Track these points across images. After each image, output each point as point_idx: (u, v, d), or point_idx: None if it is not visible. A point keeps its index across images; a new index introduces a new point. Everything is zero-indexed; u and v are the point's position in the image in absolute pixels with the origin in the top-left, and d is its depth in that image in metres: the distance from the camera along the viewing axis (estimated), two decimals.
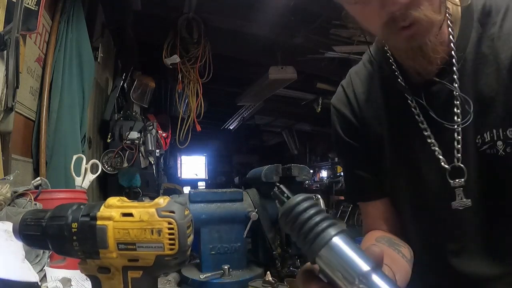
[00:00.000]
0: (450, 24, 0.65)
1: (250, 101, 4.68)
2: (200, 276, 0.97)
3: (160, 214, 0.43)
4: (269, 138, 8.95)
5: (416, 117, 0.67)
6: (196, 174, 9.11)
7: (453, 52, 0.64)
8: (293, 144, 7.90)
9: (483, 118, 0.62)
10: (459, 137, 0.63)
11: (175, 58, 2.84)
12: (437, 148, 0.65)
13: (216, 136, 7.61)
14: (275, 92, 4.12)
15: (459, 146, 0.63)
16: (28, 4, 1.26)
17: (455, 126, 0.63)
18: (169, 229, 0.42)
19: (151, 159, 2.64)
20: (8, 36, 1.10)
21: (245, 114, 5.62)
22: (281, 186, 0.43)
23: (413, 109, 0.67)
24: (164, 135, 3.11)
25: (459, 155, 0.63)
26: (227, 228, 1.05)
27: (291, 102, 5.18)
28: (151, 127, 2.65)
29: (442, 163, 0.64)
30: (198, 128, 3.15)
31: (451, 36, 0.65)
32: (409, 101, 0.68)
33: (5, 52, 1.12)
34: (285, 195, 0.42)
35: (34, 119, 1.58)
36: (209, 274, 0.98)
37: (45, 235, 0.44)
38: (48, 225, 0.44)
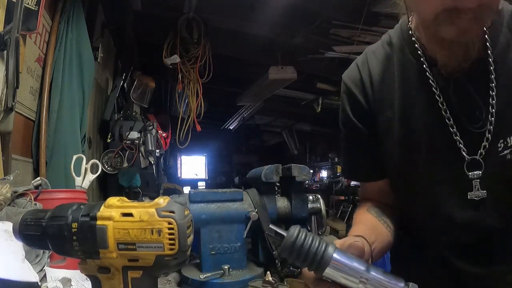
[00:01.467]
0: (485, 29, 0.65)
1: (250, 101, 4.68)
2: (200, 276, 0.97)
3: (160, 214, 0.43)
4: (269, 138, 8.95)
5: (442, 109, 0.66)
6: (196, 174, 9.11)
7: (489, 52, 0.63)
8: (293, 144, 7.90)
9: (507, 122, 0.62)
10: (489, 134, 0.62)
11: (175, 58, 2.84)
12: (459, 138, 0.64)
13: (216, 136, 7.61)
14: (275, 92, 4.12)
15: (486, 143, 0.62)
16: (28, 4, 1.26)
17: (477, 129, 0.63)
18: (169, 229, 0.42)
19: (151, 159, 2.64)
20: (8, 36, 1.10)
21: (245, 114, 5.62)
22: (272, 226, 0.52)
23: (440, 104, 0.66)
24: (164, 135, 3.11)
25: (483, 150, 0.63)
26: (227, 228, 1.05)
27: (291, 102, 5.18)
28: (151, 127, 2.65)
29: (463, 152, 0.64)
30: (198, 128, 3.15)
31: (486, 36, 0.64)
32: (434, 92, 0.66)
33: (5, 52, 1.12)
34: (279, 233, 0.50)
35: (34, 119, 1.58)
36: (209, 274, 0.98)
37: (45, 235, 0.44)
38: (48, 225, 0.44)
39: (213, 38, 3.00)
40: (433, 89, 0.66)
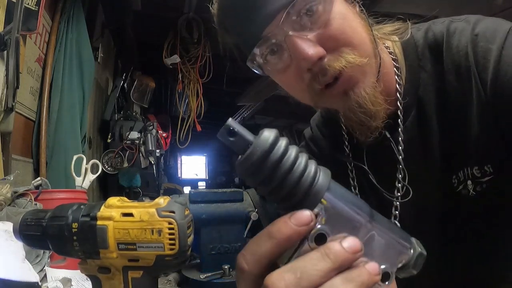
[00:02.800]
0: (396, 70, 0.59)
1: (250, 101, 4.68)
2: (200, 276, 0.97)
3: (160, 214, 0.43)
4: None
5: (351, 180, 0.64)
6: (196, 174, 9.11)
7: (398, 103, 0.57)
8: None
9: (454, 159, 0.56)
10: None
11: (175, 58, 2.83)
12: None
13: (216, 136, 7.60)
14: (275, 92, 4.12)
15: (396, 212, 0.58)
16: (28, 4, 1.26)
17: (394, 200, 0.58)
18: (169, 229, 0.42)
19: (151, 159, 2.64)
20: (8, 36, 1.10)
21: (245, 114, 5.62)
22: (231, 121, 0.30)
23: (349, 173, 0.64)
24: (164, 135, 3.11)
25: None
26: (227, 228, 1.05)
27: (291, 102, 5.17)
28: (151, 127, 2.65)
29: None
30: (198, 128, 3.15)
31: (397, 85, 0.58)
32: (348, 167, 0.64)
33: (5, 52, 1.12)
34: (240, 134, 0.30)
35: (34, 119, 1.58)
36: (209, 274, 0.98)
37: (45, 235, 0.44)
38: (48, 225, 0.44)
39: (213, 38, 2.98)
40: (348, 168, 0.65)
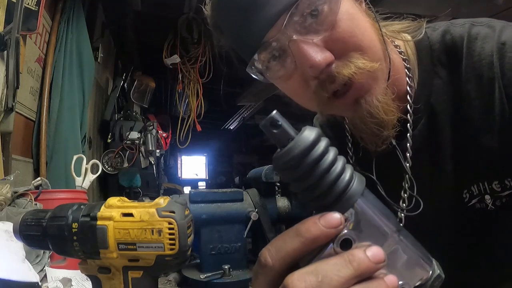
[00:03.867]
0: (407, 72, 0.55)
1: (250, 101, 4.68)
2: (201, 276, 0.97)
3: (161, 214, 0.43)
4: (269, 138, 8.94)
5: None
6: (196, 174, 9.10)
7: (408, 106, 0.53)
8: None
9: (468, 173, 0.53)
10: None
11: (175, 58, 2.83)
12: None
13: (216, 136, 7.61)
14: (275, 92, 4.12)
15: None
16: (28, 4, 1.26)
17: (399, 211, 0.54)
18: (170, 229, 0.42)
19: (151, 159, 2.64)
20: (8, 36, 1.10)
21: (245, 114, 5.62)
22: (276, 114, 0.30)
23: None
24: (164, 135, 3.11)
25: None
26: (227, 228, 1.05)
27: (291, 102, 5.17)
28: (151, 127, 2.65)
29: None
30: (198, 128, 3.15)
31: (408, 87, 0.54)
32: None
33: (5, 52, 1.12)
34: (283, 127, 0.30)
35: (34, 119, 1.58)
36: (210, 274, 0.98)
37: (45, 235, 0.44)
38: (48, 225, 0.44)
39: (213, 38, 3.00)
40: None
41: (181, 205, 0.44)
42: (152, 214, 0.43)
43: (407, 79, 0.55)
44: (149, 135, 2.59)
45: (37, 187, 1.04)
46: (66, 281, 0.77)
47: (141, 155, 2.56)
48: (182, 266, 1.01)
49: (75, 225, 0.43)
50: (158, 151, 2.87)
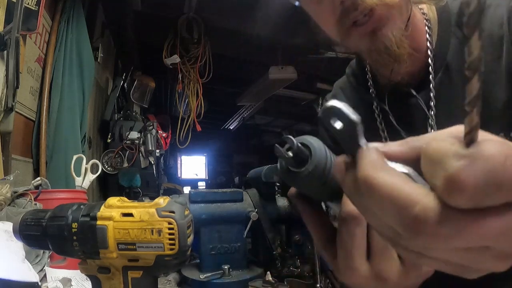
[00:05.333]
0: (428, 30, 0.60)
1: (250, 101, 4.68)
2: (200, 276, 0.97)
3: (160, 214, 0.43)
4: (269, 138, 8.95)
5: (378, 124, 0.64)
6: (196, 174, 9.10)
7: (429, 60, 0.59)
8: None
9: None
10: None
11: (175, 58, 2.83)
12: None
13: (216, 136, 7.61)
14: (275, 92, 4.12)
15: None
16: (28, 4, 1.26)
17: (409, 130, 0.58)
18: (169, 229, 0.42)
19: (151, 159, 2.64)
20: (8, 36, 1.10)
21: (245, 114, 5.62)
22: (291, 138, 0.30)
23: (376, 116, 0.64)
24: (164, 135, 3.11)
25: None
26: (227, 228, 1.05)
27: (291, 102, 5.17)
28: (151, 127, 2.65)
29: None
30: (198, 128, 3.15)
31: (428, 43, 0.59)
32: (375, 113, 0.64)
33: (5, 52, 1.12)
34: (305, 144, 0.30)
35: (34, 119, 1.58)
36: (209, 274, 0.98)
37: (45, 235, 0.45)
38: (48, 225, 0.44)
39: (213, 38, 3.00)
40: (374, 108, 0.65)
41: (181, 205, 0.44)
42: (152, 214, 0.43)
43: (427, 36, 0.60)
44: (149, 135, 2.59)
45: (37, 187, 1.04)
46: (66, 281, 0.77)
47: (141, 155, 2.56)
48: (182, 266, 1.01)
49: (75, 225, 0.43)
50: (158, 151, 2.86)
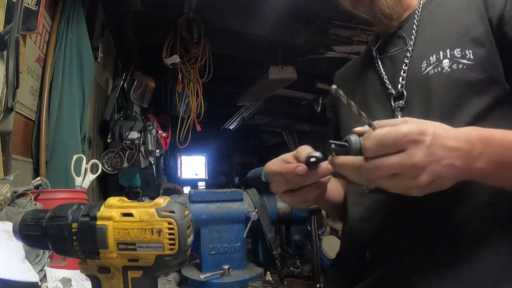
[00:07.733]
0: None
1: (250, 101, 4.68)
2: (200, 276, 0.97)
3: (160, 214, 0.43)
4: (269, 138, 8.94)
5: (376, 63, 0.75)
6: (196, 174, 9.11)
7: (416, 10, 0.73)
8: (293, 144, 7.88)
9: (432, 44, 0.66)
10: (405, 67, 0.68)
11: (175, 58, 2.83)
12: (386, 80, 0.71)
13: (216, 136, 7.61)
14: (275, 92, 4.12)
15: (404, 74, 0.68)
16: (28, 4, 1.26)
17: (394, 52, 0.72)
18: (169, 229, 0.42)
19: (151, 159, 2.64)
20: (8, 36, 1.10)
21: (245, 114, 5.62)
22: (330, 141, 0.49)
23: (373, 54, 0.77)
24: (164, 135, 3.11)
25: (403, 82, 0.68)
26: (227, 228, 1.05)
27: (291, 102, 5.18)
28: (151, 127, 2.65)
29: (389, 87, 0.70)
30: (198, 128, 3.15)
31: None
32: (374, 54, 0.77)
33: (5, 52, 1.12)
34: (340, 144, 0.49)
35: (34, 119, 1.58)
36: (209, 274, 0.98)
37: (45, 235, 0.45)
38: (48, 225, 0.44)
39: (213, 38, 3.00)
40: (374, 53, 0.78)
41: (181, 205, 0.44)
42: (152, 214, 0.43)
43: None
44: (149, 135, 2.59)
45: (36, 187, 1.04)
46: (66, 281, 0.77)
47: (141, 155, 2.56)
48: (182, 266, 1.01)
49: (74, 225, 0.43)
50: (158, 151, 2.86)
